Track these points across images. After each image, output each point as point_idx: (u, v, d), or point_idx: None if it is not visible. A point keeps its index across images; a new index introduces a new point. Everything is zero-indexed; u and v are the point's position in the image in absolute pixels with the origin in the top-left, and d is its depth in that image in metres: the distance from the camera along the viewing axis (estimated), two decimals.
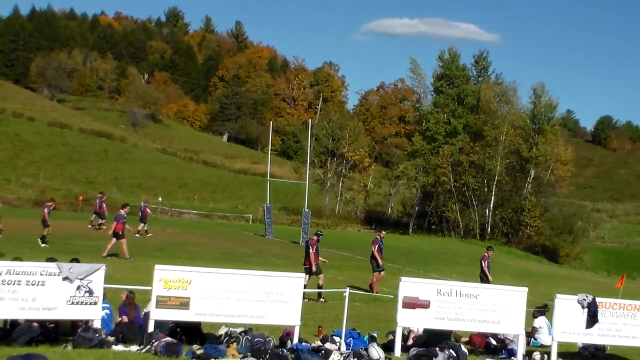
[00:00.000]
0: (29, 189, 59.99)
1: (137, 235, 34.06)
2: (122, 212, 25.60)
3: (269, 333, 13.17)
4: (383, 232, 23.76)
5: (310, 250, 20.05)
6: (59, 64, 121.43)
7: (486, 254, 22.68)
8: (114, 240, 24.91)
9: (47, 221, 27.30)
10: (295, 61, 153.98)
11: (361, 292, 19.57)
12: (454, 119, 70.21)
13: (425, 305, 12.24)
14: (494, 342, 13.63)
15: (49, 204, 28.98)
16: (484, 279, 21.88)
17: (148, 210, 37.00)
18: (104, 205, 36.71)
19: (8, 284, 10.75)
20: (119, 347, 11.11)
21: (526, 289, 13.08)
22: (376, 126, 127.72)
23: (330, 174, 77.37)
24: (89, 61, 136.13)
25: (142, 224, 35.82)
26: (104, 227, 35.47)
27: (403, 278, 12.81)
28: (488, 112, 67.76)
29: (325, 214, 71.95)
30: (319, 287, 19.57)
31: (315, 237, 20.65)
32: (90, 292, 11.21)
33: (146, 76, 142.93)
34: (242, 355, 11.00)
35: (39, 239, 26.98)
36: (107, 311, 12.31)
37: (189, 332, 12.12)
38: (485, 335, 13.63)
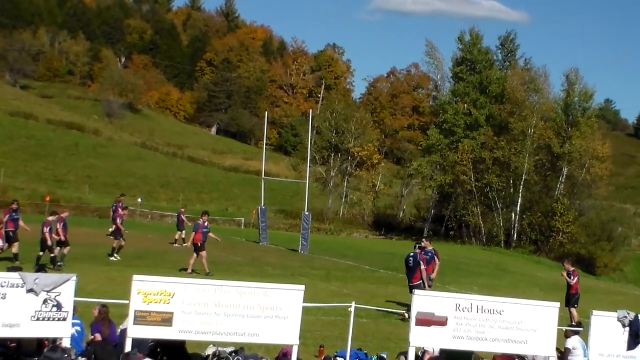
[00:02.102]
0: None
1: (174, 245, 36.14)
2: (201, 220, 26.72)
3: (263, 353, 13.21)
4: (424, 240, 23.34)
5: (422, 266, 20.44)
6: (23, 45, 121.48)
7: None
8: (194, 255, 25.98)
9: (120, 231, 28.95)
10: (293, 43, 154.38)
11: (368, 307, 19.56)
12: (475, 110, 70.15)
13: (441, 322, 12.24)
14: None
15: (122, 213, 30.74)
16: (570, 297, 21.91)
17: (183, 217, 37.97)
18: (119, 209, 37.18)
19: None
20: None
21: (558, 304, 13.08)
22: (386, 118, 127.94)
23: (334, 172, 77.41)
24: (57, 42, 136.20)
25: (180, 232, 37.23)
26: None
27: (416, 291, 12.82)
28: (514, 102, 67.65)
29: (328, 218, 72.00)
30: None
31: (418, 250, 20.94)
32: (59, 306, 11.21)
33: (123, 60, 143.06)
34: None
35: (113, 253, 28.37)
36: (78, 328, 12.32)
37: (172, 352, 12.14)
38: (510, 357, 13.64)
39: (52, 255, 24.55)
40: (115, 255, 28.46)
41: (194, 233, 26.35)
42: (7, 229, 24.62)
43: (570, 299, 21.60)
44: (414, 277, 20.46)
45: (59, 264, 24.32)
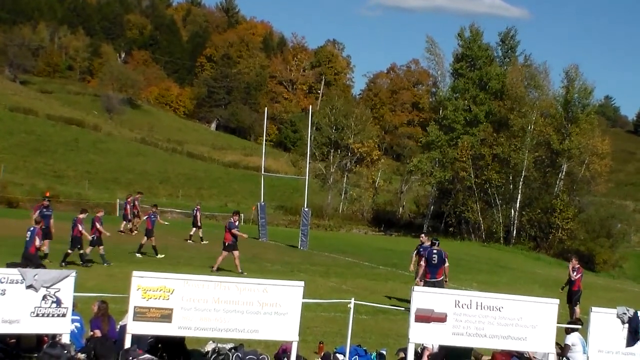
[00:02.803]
0: None
1: (189, 241, 36.21)
2: (232, 220, 26.62)
3: (263, 349, 13.20)
4: (423, 236, 23.61)
5: (446, 264, 21.03)
6: (23, 41, 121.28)
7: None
8: (232, 252, 25.86)
9: (151, 230, 29.01)
10: (293, 39, 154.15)
11: (368, 304, 19.57)
12: (475, 106, 70.15)
13: (441, 318, 12.24)
14: None
15: (152, 210, 31.00)
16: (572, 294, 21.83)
17: (198, 215, 37.99)
18: (128, 206, 37.60)
19: None
20: None
21: (557, 300, 13.07)
22: (386, 114, 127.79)
23: (334, 168, 77.38)
24: (57, 37, 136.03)
25: (194, 229, 37.38)
26: (135, 232, 37.12)
27: (416, 288, 12.82)
28: (514, 98, 67.62)
29: (327, 214, 71.99)
30: None
31: (438, 247, 21.31)
32: (58, 303, 11.21)
33: (123, 55, 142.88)
34: None
35: (156, 252, 28.61)
36: (78, 324, 12.32)
37: (171, 349, 12.14)
38: (510, 354, 13.64)
39: (69, 251, 24.67)
40: (156, 253, 28.79)
41: (231, 231, 26.11)
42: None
43: (572, 296, 21.59)
44: (438, 273, 20.81)
45: (84, 264, 24.51)
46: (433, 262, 20.90)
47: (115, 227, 37.20)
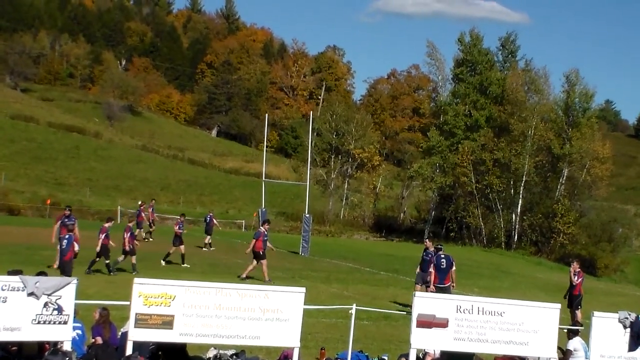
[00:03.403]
0: None
1: (204, 249, 36.46)
2: (262, 229, 26.87)
3: (264, 356, 13.20)
4: (427, 241, 23.75)
5: (454, 268, 21.47)
6: (23, 48, 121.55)
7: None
8: (254, 262, 25.99)
9: (180, 237, 29.18)
10: (294, 45, 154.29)
11: (370, 309, 19.56)
12: (475, 111, 70.14)
13: (442, 324, 12.23)
14: None
15: (180, 219, 31.08)
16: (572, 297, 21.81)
17: (215, 221, 38.14)
18: (143, 214, 37.76)
19: None
20: None
21: (559, 305, 13.07)
22: (387, 119, 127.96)
23: (334, 174, 77.35)
24: (57, 45, 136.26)
25: (208, 237, 37.49)
26: (148, 239, 37.69)
27: (417, 293, 12.82)
28: (515, 103, 67.64)
29: (328, 220, 71.95)
30: None
31: (445, 252, 21.74)
32: (60, 310, 11.20)
33: (124, 62, 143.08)
34: None
35: (181, 261, 28.97)
36: (79, 331, 12.31)
37: (173, 355, 12.13)
38: (511, 359, 13.62)
39: (107, 262, 24.85)
40: (183, 262, 29.02)
41: (254, 241, 26.20)
42: (60, 235, 24.54)
43: (573, 301, 21.56)
44: (446, 279, 21.08)
45: (133, 272, 24.67)
46: (442, 267, 21.15)
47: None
